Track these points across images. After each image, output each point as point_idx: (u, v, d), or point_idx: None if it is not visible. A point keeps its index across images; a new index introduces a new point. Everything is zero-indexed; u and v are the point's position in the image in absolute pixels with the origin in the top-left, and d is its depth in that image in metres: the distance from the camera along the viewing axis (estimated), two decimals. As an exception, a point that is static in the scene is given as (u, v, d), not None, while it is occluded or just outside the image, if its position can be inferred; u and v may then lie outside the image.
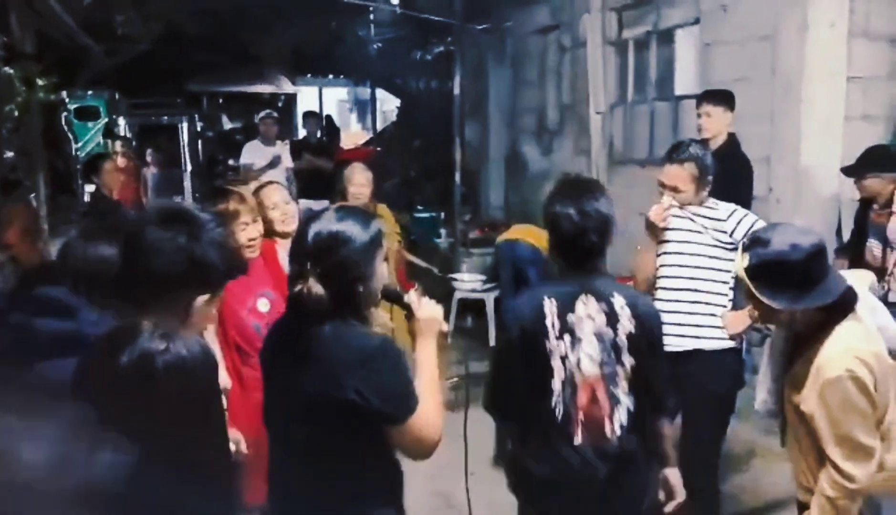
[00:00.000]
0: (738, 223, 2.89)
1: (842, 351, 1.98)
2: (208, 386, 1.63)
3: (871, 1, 4.81)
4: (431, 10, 9.23)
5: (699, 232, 2.94)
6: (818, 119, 4.78)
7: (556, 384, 2.13)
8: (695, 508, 3.15)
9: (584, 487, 2.12)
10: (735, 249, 2.85)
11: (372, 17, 12.99)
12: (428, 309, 1.87)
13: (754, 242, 2.06)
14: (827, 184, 4.84)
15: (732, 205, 2.96)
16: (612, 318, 2.14)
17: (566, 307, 2.14)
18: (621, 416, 2.14)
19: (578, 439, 2.12)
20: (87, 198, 8.28)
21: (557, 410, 2.13)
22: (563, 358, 2.13)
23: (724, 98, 4.44)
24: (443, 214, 9.31)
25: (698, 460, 3.06)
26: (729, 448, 4.16)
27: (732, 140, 4.47)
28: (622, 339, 2.14)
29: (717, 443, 3.07)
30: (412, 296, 1.90)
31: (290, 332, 1.79)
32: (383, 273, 1.82)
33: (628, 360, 2.14)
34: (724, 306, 2.96)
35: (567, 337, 2.13)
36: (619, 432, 2.13)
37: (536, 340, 2.12)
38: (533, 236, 6.10)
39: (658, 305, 3.04)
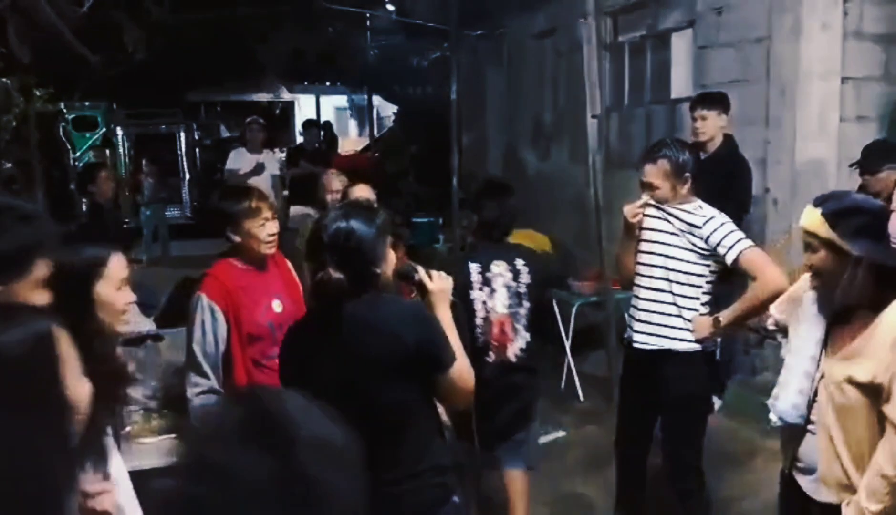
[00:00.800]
0: (714, 231, 2.88)
1: None
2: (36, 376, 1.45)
3: (864, 2, 4.84)
4: (427, 17, 9.27)
5: (675, 234, 2.96)
6: (813, 120, 4.81)
7: (479, 320, 3.15)
8: (683, 511, 3.19)
9: (494, 389, 3.05)
10: (710, 256, 2.90)
11: (369, 24, 13.06)
12: (439, 282, 2.13)
13: (825, 199, 2.05)
14: (823, 184, 4.86)
15: (714, 212, 2.94)
16: (515, 275, 3.17)
17: (485, 268, 3.17)
18: (520, 343, 3.18)
19: (491, 357, 3.15)
20: (84, 208, 8.30)
21: (479, 338, 3.13)
22: (483, 303, 3.14)
23: (717, 101, 4.47)
24: (441, 220, 9.33)
25: (680, 461, 3.10)
26: (729, 448, 4.19)
27: (730, 142, 4.50)
28: (523, 289, 3.17)
29: (696, 444, 3.09)
30: (422, 274, 2.14)
31: (324, 318, 1.98)
32: (392, 258, 2.06)
33: (526, 304, 3.18)
34: (696, 310, 2.98)
35: (486, 289, 3.15)
36: (518, 353, 3.18)
37: (466, 291, 3.06)
38: (535, 241, 6.10)
39: (634, 302, 3.13)
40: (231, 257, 2.78)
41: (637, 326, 3.10)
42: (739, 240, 2.85)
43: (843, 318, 2.06)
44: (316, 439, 0.89)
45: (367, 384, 1.92)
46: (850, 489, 2.07)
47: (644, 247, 3.07)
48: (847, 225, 1.96)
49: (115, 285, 1.77)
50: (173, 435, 2.67)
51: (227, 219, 2.72)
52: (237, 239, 2.71)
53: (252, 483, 0.84)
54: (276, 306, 2.76)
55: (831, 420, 2.06)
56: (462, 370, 2.01)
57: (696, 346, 2.99)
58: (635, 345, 3.11)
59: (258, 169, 6.99)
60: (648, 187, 2.95)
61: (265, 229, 2.72)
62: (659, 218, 3.02)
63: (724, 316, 2.92)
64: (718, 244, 2.86)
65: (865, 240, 1.94)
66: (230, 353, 2.65)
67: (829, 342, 2.10)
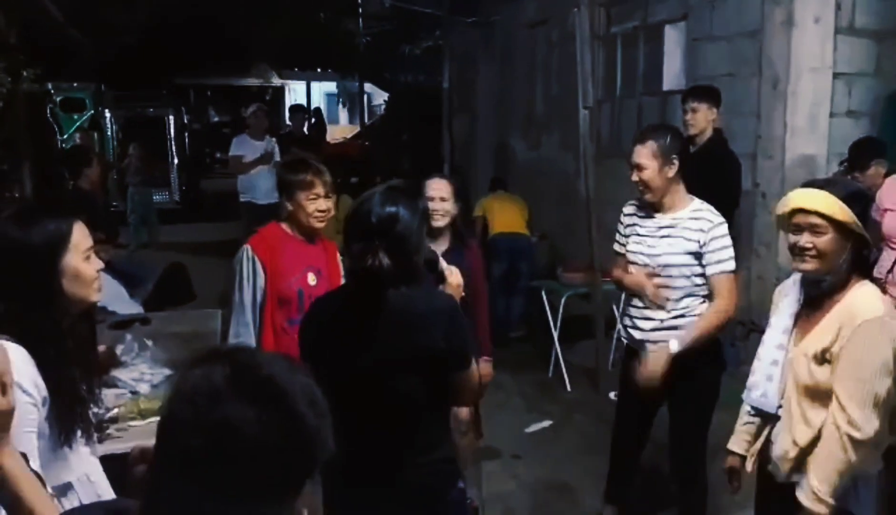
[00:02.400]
0: (713, 239, 2.92)
1: (876, 301, 2.01)
2: None
3: (856, -3, 4.87)
4: (421, 4, 9.23)
5: (670, 236, 2.98)
6: (804, 114, 4.83)
7: None
8: (685, 497, 3.24)
9: None
10: (700, 257, 2.94)
11: (361, 10, 12.99)
12: (456, 277, 2.23)
13: (825, 183, 2.12)
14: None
15: (715, 218, 2.96)
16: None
17: None
18: None
19: None
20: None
21: None
22: None
23: (709, 94, 4.49)
24: (431, 208, 9.31)
25: (687, 448, 3.14)
26: (714, 439, 4.22)
27: (718, 136, 4.51)
28: None
29: (702, 434, 3.15)
30: (444, 265, 2.23)
31: (362, 301, 1.99)
32: (426, 245, 2.13)
33: None
34: (704, 300, 3.02)
35: None
36: None
37: None
38: (516, 205, 6.14)
39: (633, 311, 3.13)
40: (283, 222, 2.96)
41: (644, 325, 3.09)
42: (727, 261, 2.93)
43: (816, 303, 2.12)
44: (301, 387, 0.93)
45: (395, 370, 1.95)
46: (799, 469, 2.11)
47: (638, 247, 3.08)
48: (856, 209, 2.01)
49: (82, 255, 1.76)
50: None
51: (283, 187, 2.92)
52: (289, 207, 2.89)
53: (251, 435, 0.88)
54: (311, 278, 2.89)
55: (794, 400, 2.11)
56: (475, 368, 2.07)
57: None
58: (648, 346, 3.07)
59: (266, 158, 6.98)
60: (637, 168, 2.98)
61: (315, 204, 2.87)
62: (648, 225, 3.05)
63: (679, 344, 2.94)
64: (710, 252, 2.92)
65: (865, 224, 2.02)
66: (263, 312, 2.83)
67: (799, 325, 2.16)
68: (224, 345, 0.91)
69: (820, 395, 2.05)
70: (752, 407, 2.28)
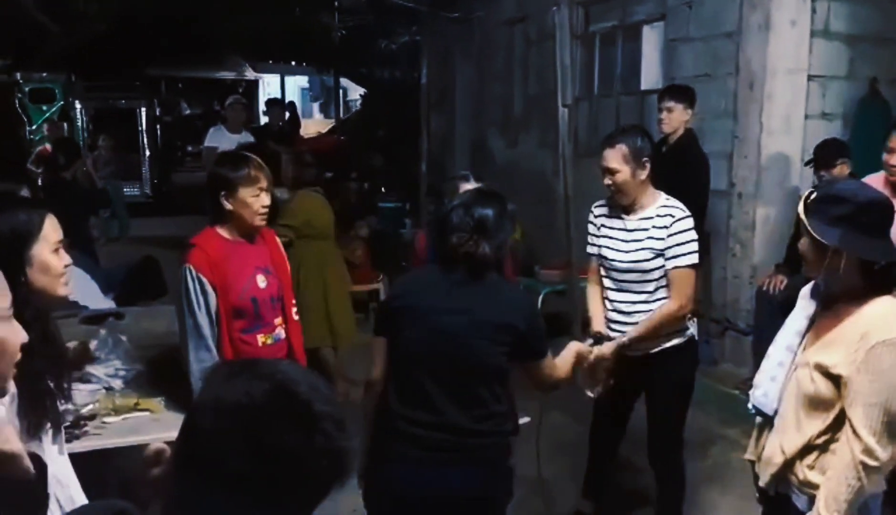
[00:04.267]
0: (676, 233, 2.93)
1: (891, 318, 1.89)
2: None
3: (832, 1, 4.93)
4: (398, -1, 9.18)
5: (639, 240, 2.99)
6: (779, 116, 4.89)
7: None
8: (664, 490, 3.28)
9: None
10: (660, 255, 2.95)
11: (337, 3, 12.87)
12: None
13: (825, 184, 2.07)
14: (787, 180, 4.96)
15: (680, 213, 2.97)
16: None
17: None
18: None
19: None
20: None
21: None
22: None
23: (685, 94, 4.52)
24: (408, 205, 9.28)
25: (664, 443, 3.18)
26: (687, 436, 4.26)
27: (689, 135, 4.54)
28: None
29: (680, 428, 3.21)
30: None
31: (458, 277, 2.28)
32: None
33: None
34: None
35: None
36: None
37: None
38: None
39: (612, 316, 3.14)
40: (218, 225, 2.71)
41: (619, 328, 3.10)
42: (686, 255, 2.94)
43: (830, 307, 2.05)
44: (332, 410, 0.97)
45: (482, 336, 2.22)
46: (784, 480, 2.07)
47: (611, 252, 3.09)
48: (825, 212, 1.94)
49: (51, 247, 1.72)
50: (136, 414, 2.61)
51: (222, 185, 2.64)
52: (229, 207, 2.65)
53: (289, 453, 0.92)
54: (261, 281, 2.72)
55: (791, 406, 2.06)
56: (553, 362, 2.47)
57: (686, 336, 3.07)
58: (629, 354, 3.09)
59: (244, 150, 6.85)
60: (608, 172, 2.97)
61: (259, 200, 2.67)
62: (618, 228, 3.07)
63: (628, 336, 2.99)
64: (670, 246, 2.93)
65: (842, 230, 1.91)
66: (219, 328, 2.63)
67: (812, 331, 2.09)
68: (260, 360, 0.94)
69: (818, 406, 1.98)
70: (753, 406, 2.22)
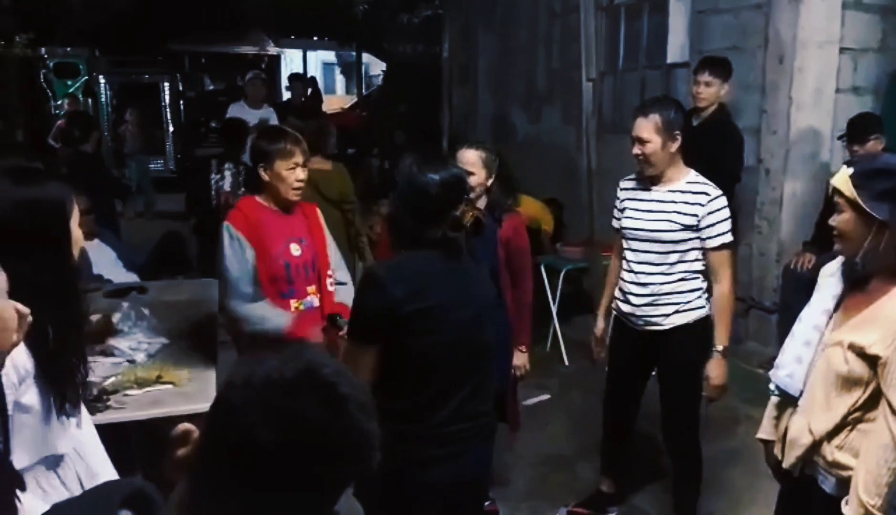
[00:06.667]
0: (711, 213, 2.90)
1: None
2: None
3: (866, -28, 4.79)
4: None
5: (666, 211, 2.96)
6: (809, 90, 4.77)
7: None
8: (678, 469, 3.26)
9: None
10: (698, 231, 2.92)
11: (359, -23, 12.79)
12: None
13: (861, 159, 1.99)
14: (817, 156, 4.85)
15: (713, 191, 2.93)
16: None
17: None
18: None
19: None
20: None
21: None
22: None
23: (722, 67, 4.42)
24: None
25: (679, 422, 3.16)
26: (711, 416, 4.22)
27: (723, 110, 4.46)
28: None
29: (692, 408, 3.16)
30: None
31: (454, 269, 2.09)
32: None
33: None
34: (699, 272, 3.02)
35: None
36: None
37: None
38: (532, 208, 5.99)
39: (624, 284, 3.13)
40: (258, 195, 2.85)
41: (634, 300, 3.09)
42: (726, 233, 2.93)
43: (861, 286, 1.99)
44: (359, 394, 0.98)
45: (489, 331, 2.16)
46: (810, 461, 2.02)
47: (634, 222, 3.06)
48: (872, 186, 1.87)
49: (77, 220, 1.74)
50: (158, 387, 2.63)
51: (260, 157, 2.78)
52: (266, 178, 2.77)
53: (317, 432, 0.92)
54: (294, 249, 2.82)
55: (820, 386, 2.00)
56: None
57: (701, 314, 3.03)
58: (638, 329, 3.11)
59: (263, 125, 6.86)
60: (638, 141, 2.93)
61: (294, 174, 2.78)
62: (647, 199, 3.02)
63: (722, 344, 2.99)
64: (709, 225, 2.90)
65: (890, 205, 1.84)
66: (257, 287, 2.76)
67: (842, 309, 2.03)
68: (289, 344, 0.99)
69: (850, 386, 1.93)
70: (776, 387, 2.16)
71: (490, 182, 3.10)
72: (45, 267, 1.61)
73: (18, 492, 1.46)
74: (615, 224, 3.19)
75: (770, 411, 2.24)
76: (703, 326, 3.05)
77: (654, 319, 3.04)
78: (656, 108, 2.94)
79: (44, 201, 1.64)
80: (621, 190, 3.17)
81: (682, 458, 3.23)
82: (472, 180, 3.06)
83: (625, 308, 3.13)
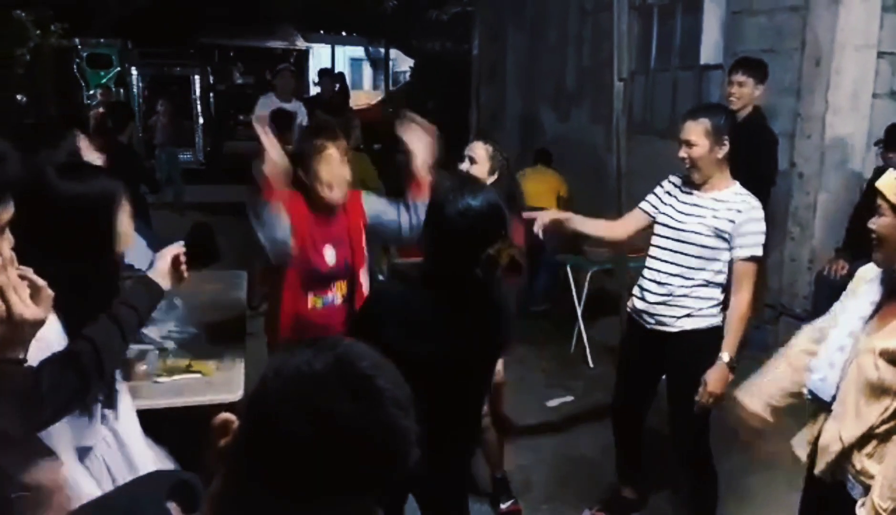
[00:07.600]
0: (744, 223, 2.86)
1: None
2: None
3: (907, -26, 4.70)
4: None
5: (703, 217, 2.93)
6: (846, 94, 4.70)
7: None
8: (690, 480, 3.21)
9: None
10: (730, 240, 2.87)
11: (389, -27, 12.81)
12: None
13: None
14: (851, 161, 4.77)
15: (752, 203, 2.90)
16: None
17: None
18: None
19: None
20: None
21: None
22: None
23: (757, 69, 4.36)
24: (456, 178, 9.21)
25: (687, 432, 3.11)
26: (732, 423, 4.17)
27: (758, 113, 4.40)
28: None
29: (703, 415, 3.08)
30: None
31: (457, 299, 1.95)
32: None
33: None
34: (720, 285, 2.97)
35: None
36: None
37: None
38: (542, 180, 6.00)
39: (644, 282, 3.09)
40: (303, 196, 2.69)
41: (649, 297, 3.07)
42: (756, 246, 2.88)
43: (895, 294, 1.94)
44: (395, 388, 0.93)
45: (481, 363, 2.08)
46: (841, 468, 1.99)
47: (668, 219, 3.03)
48: None
49: (128, 214, 1.75)
50: (188, 376, 2.65)
51: (297, 160, 2.65)
52: (305, 180, 2.64)
53: (352, 427, 0.88)
54: (329, 257, 2.71)
55: (851, 393, 1.96)
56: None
57: (713, 321, 2.99)
58: (648, 326, 3.08)
59: (293, 119, 6.90)
60: (686, 144, 2.92)
61: (331, 170, 2.62)
62: (690, 202, 2.99)
63: (728, 353, 2.89)
64: (742, 235, 2.86)
65: None
66: (283, 274, 2.65)
67: (878, 316, 1.99)
68: (326, 337, 0.94)
69: (880, 393, 1.89)
70: (809, 391, 2.13)
71: (491, 179, 3.11)
72: (89, 263, 1.63)
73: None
74: (644, 205, 3.18)
75: (808, 417, 2.18)
76: (713, 336, 2.98)
77: (664, 319, 3.01)
78: (706, 113, 2.94)
79: (92, 196, 1.66)
80: (669, 182, 3.15)
81: (691, 468, 3.17)
82: (474, 170, 3.12)
83: (639, 305, 3.11)
